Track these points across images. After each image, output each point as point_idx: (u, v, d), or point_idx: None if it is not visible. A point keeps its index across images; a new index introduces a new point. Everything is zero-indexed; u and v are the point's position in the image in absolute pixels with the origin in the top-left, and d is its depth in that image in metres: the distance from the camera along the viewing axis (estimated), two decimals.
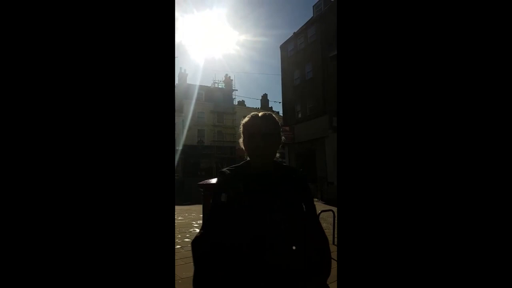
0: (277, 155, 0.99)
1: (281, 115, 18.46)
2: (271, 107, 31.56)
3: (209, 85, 26.89)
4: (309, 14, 16.96)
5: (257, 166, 0.96)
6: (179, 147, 20.45)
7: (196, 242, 0.91)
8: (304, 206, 0.92)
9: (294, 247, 0.86)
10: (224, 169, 0.99)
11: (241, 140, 0.98)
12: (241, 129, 0.98)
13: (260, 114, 0.98)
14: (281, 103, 18.35)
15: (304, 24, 16.36)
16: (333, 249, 4.38)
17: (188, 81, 24.92)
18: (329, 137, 13.19)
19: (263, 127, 0.93)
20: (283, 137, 1.01)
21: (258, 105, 31.56)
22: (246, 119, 0.98)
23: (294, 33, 17.04)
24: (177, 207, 8.27)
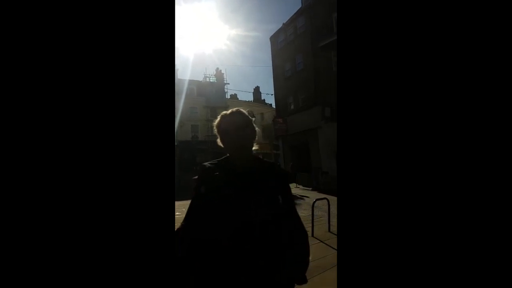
0: (255, 147, 1.02)
1: (274, 107, 18.42)
2: (264, 100, 31.40)
3: (200, 79, 26.63)
4: (299, 7, 16.76)
5: (236, 161, 0.99)
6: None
7: (177, 234, 0.93)
8: (282, 201, 0.94)
9: (270, 242, 0.88)
10: (205, 163, 1.03)
11: (218, 140, 1.03)
12: (215, 130, 1.03)
13: (228, 111, 1.03)
14: (273, 95, 18.35)
15: (293, 15, 16.20)
16: (328, 237, 4.47)
17: (179, 76, 24.65)
18: (322, 127, 13.29)
19: (233, 122, 0.99)
20: (257, 129, 1.04)
21: (251, 98, 31.37)
22: (218, 119, 1.03)
23: (284, 24, 16.87)
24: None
